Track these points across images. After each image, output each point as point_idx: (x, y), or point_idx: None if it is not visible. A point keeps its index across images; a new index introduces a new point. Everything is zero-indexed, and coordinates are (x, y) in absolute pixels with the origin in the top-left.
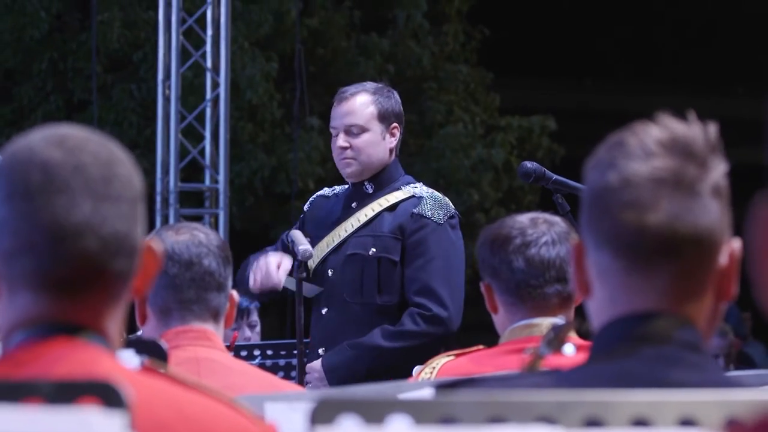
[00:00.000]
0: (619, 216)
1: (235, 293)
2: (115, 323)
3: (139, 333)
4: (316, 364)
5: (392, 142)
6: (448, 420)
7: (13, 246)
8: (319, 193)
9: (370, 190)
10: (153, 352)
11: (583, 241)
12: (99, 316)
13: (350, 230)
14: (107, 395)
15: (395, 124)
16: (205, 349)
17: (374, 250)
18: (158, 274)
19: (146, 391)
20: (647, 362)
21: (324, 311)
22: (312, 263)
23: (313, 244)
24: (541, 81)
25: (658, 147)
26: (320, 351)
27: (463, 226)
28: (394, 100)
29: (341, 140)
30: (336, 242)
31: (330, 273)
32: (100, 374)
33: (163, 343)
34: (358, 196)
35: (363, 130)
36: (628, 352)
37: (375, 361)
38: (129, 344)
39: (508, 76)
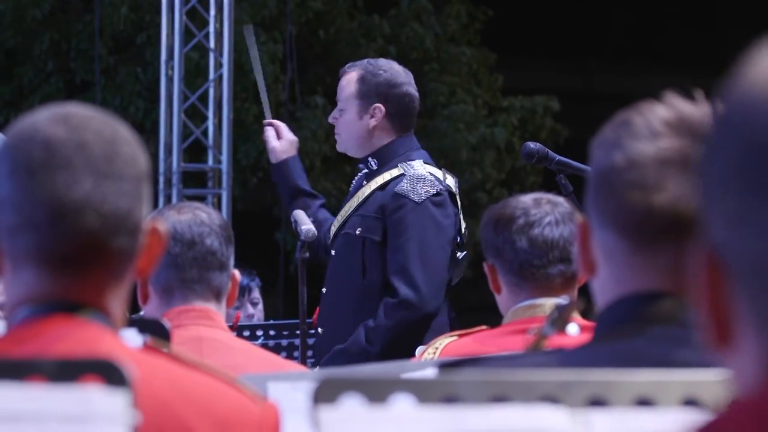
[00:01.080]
0: (625, 196)
1: (236, 272)
2: (117, 302)
3: (142, 312)
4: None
5: (372, 122)
6: (451, 399)
7: (16, 222)
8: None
9: (375, 166)
10: (155, 331)
11: (589, 220)
12: (101, 294)
13: (351, 209)
14: (110, 374)
15: (377, 104)
16: (207, 328)
17: (360, 230)
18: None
19: (148, 370)
20: (652, 342)
21: (324, 290)
22: (328, 238)
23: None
24: (544, 61)
25: (665, 127)
26: (319, 330)
27: (464, 206)
28: (385, 80)
29: (331, 115)
30: (341, 221)
31: (333, 252)
32: (102, 352)
33: (166, 322)
34: (367, 174)
35: (344, 108)
36: (632, 332)
37: (367, 362)
38: (132, 323)
39: (511, 56)
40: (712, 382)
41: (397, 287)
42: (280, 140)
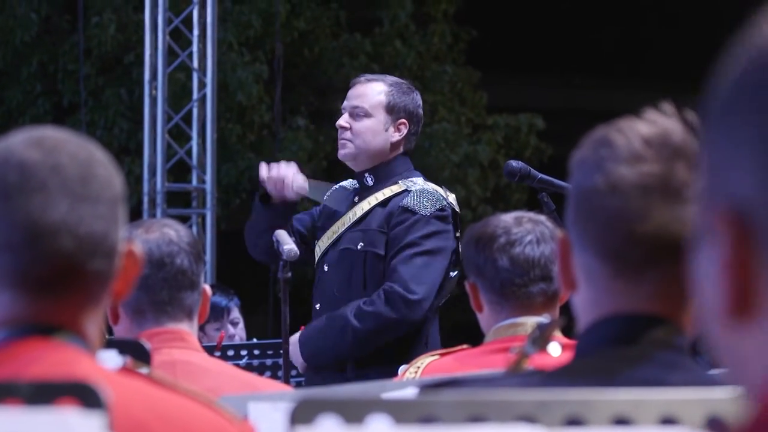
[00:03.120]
0: (607, 223)
1: (207, 288)
2: (94, 324)
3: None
4: (294, 337)
5: (395, 136)
6: (428, 420)
7: None
8: (341, 183)
9: (370, 183)
10: (135, 352)
11: (570, 237)
12: (77, 316)
13: (347, 224)
14: (86, 396)
15: (403, 120)
16: (180, 350)
17: (362, 244)
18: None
19: (125, 392)
20: (631, 364)
21: (317, 306)
22: (318, 252)
23: (319, 236)
24: (528, 79)
25: (646, 148)
26: None
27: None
28: (410, 98)
29: (343, 120)
30: (335, 236)
31: (326, 268)
32: (78, 375)
33: (146, 343)
34: (361, 190)
35: (367, 114)
36: (612, 355)
37: (341, 336)
38: (112, 344)
39: (496, 74)
40: (690, 401)
41: (397, 288)
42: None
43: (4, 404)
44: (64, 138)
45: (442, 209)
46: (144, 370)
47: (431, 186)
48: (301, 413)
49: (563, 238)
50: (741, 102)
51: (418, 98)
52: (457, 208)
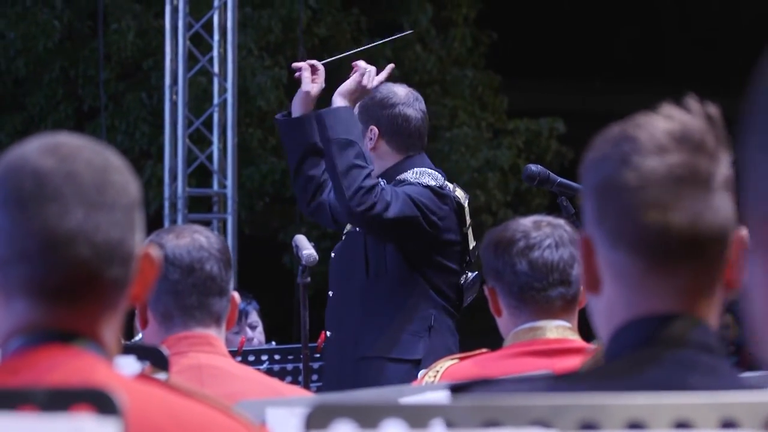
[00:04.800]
0: (642, 216)
1: (236, 295)
2: (111, 330)
3: (138, 337)
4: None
5: (369, 143)
6: (443, 424)
7: (7, 254)
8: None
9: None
10: (154, 359)
11: (592, 238)
12: (94, 323)
13: None
14: (101, 402)
15: (371, 126)
16: (207, 355)
17: None
18: (159, 279)
19: (141, 399)
20: (667, 368)
21: (330, 293)
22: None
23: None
24: (549, 83)
25: (670, 141)
26: (328, 333)
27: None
28: (379, 100)
29: None
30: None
31: (333, 255)
32: (95, 381)
33: (164, 350)
34: None
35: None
36: (647, 358)
37: (347, 147)
38: (131, 350)
39: (516, 78)
40: (704, 404)
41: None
42: (314, 84)
43: (20, 411)
44: (79, 144)
45: (440, 187)
46: (162, 376)
47: (434, 171)
48: (316, 418)
49: (585, 239)
50: None
51: (390, 97)
52: (463, 203)
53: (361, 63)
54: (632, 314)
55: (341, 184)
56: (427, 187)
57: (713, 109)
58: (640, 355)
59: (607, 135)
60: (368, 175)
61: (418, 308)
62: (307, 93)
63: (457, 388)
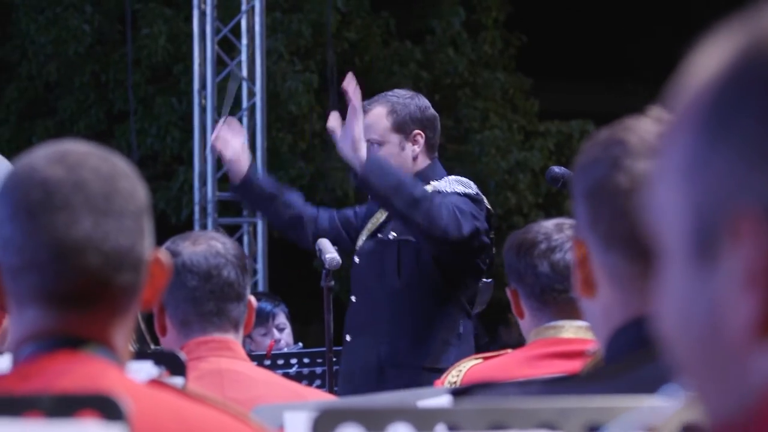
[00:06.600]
0: (634, 220)
1: (253, 299)
2: (122, 336)
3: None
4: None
5: (415, 149)
6: (450, 428)
7: (18, 263)
8: None
9: None
10: (171, 364)
11: (586, 241)
12: (105, 329)
13: (381, 220)
14: (106, 408)
15: (417, 131)
16: (227, 360)
17: (394, 234)
18: (176, 286)
19: (151, 404)
20: (661, 367)
21: (353, 299)
22: (357, 246)
23: (359, 233)
24: (579, 85)
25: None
26: (347, 338)
27: (500, 230)
28: (415, 106)
29: None
30: (369, 233)
31: (357, 260)
32: (105, 387)
33: (181, 355)
34: None
35: (381, 143)
36: (644, 358)
37: (413, 184)
38: (148, 356)
39: (547, 81)
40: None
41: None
42: (234, 151)
43: (26, 417)
44: (86, 152)
45: (476, 194)
46: (178, 382)
47: (464, 178)
48: (323, 422)
49: (579, 242)
50: (749, 100)
51: (422, 101)
52: (490, 209)
53: (350, 88)
54: (629, 315)
55: (417, 225)
56: (465, 195)
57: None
58: (638, 356)
59: (597, 139)
60: (426, 197)
61: (449, 315)
62: (235, 162)
63: (459, 392)
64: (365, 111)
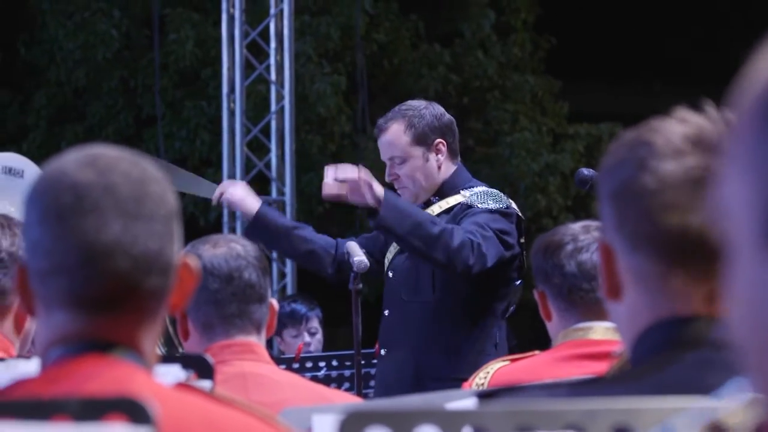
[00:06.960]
0: (661, 218)
1: (274, 302)
2: (150, 340)
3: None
4: (378, 188)
5: (439, 158)
6: (477, 430)
7: (47, 266)
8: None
9: (435, 201)
10: (199, 367)
11: (612, 243)
12: (133, 333)
13: None
14: (134, 412)
15: (438, 140)
16: (251, 363)
17: None
18: (198, 289)
19: (179, 407)
20: (688, 368)
21: (386, 313)
22: (386, 262)
23: (387, 246)
24: (609, 87)
25: (686, 144)
26: (382, 352)
27: (530, 232)
28: (431, 115)
29: (388, 174)
30: (398, 247)
31: (390, 274)
32: (132, 391)
33: (209, 358)
34: (425, 206)
35: (404, 159)
36: (670, 359)
37: (430, 221)
38: (176, 359)
39: (576, 83)
40: (736, 407)
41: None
42: (239, 193)
43: (54, 421)
44: (116, 156)
45: (507, 207)
46: (206, 385)
47: (494, 190)
48: (351, 425)
49: (604, 244)
50: None
51: (436, 109)
52: (520, 215)
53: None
54: (655, 317)
55: (438, 262)
56: (496, 211)
57: (729, 113)
58: (663, 358)
59: (623, 140)
60: (444, 233)
61: (486, 326)
62: (248, 207)
63: (485, 395)
64: (382, 130)
